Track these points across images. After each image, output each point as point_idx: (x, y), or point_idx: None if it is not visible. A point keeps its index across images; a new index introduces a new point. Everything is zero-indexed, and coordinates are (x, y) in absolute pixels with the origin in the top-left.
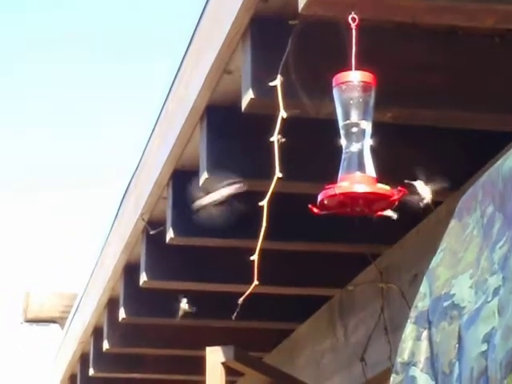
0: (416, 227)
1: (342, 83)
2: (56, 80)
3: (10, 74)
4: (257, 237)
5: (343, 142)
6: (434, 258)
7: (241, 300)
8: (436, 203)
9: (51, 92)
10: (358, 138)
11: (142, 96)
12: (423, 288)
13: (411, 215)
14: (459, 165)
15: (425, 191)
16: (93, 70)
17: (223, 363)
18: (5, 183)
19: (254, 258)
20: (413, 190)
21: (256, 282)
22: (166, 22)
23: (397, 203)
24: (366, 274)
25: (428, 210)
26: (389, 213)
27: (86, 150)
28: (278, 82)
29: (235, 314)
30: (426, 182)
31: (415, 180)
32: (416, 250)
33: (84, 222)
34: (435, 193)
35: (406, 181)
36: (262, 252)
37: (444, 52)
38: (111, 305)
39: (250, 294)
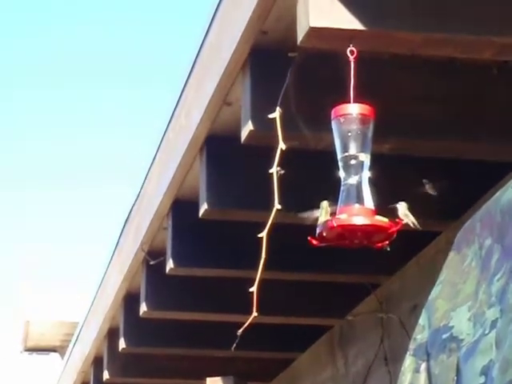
0: (415, 257)
1: (341, 116)
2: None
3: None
4: (256, 267)
5: (342, 174)
6: (433, 290)
7: (240, 331)
8: (435, 233)
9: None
10: (356, 171)
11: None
12: (422, 320)
13: (411, 246)
14: (458, 194)
15: (406, 214)
16: (96, 96)
17: None
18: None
19: (253, 289)
20: (395, 214)
21: (255, 314)
22: (168, 51)
23: (395, 235)
24: (365, 304)
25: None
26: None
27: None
28: (277, 114)
29: (235, 344)
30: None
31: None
32: (416, 280)
33: (85, 250)
34: (420, 219)
35: (389, 206)
36: (263, 282)
37: (442, 83)
38: (111, 334)
39: (251, 323)
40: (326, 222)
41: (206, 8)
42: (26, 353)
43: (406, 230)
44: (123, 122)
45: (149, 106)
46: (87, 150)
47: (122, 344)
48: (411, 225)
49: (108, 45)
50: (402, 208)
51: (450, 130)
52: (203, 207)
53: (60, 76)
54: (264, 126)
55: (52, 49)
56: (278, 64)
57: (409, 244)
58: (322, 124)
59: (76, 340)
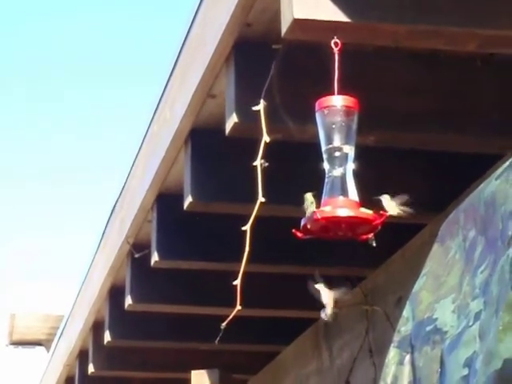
0: (400, 250)
1: (325, 107)
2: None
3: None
4: (241, 260)
5: (326, 166)
6: (417, 282)
7: (224, 325)
8: (420, 226)
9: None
10: (340, 163)
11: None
12: (406, 312)
13: (396, 238)
14: (442, 187)
15: (390, 206)
16: (79, 93)
17: None
18: None
19: (237, 282)
20: (379, 205)
21: (239, 307)
22: (152, 45)
23: (379, 227)
24: (350, 296)
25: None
26: (369, 240)
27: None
28: (261, 106)
29: (218, 338)
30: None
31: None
32: (400, 273)
33: (70, 244)
34: (403, 210)
35: (373, 197)
36: (247, 275)
37: (426, 75)
38: (96, 328)
39: (235, 316)
40: (311, 214)
41: (190, 0)
42: (12, 346)
43: (390, 223)
44: (109, 118)
45: (133, 101)
46: (73, 144)
47: (107, 337)
48: (401, 212)
49: (91, 41)
50: (385, 201)
51: (435, 122)
52: (188, 200)
53: (46, 75)
54: (248, 119)
55: (36, 47)
56: (262, 56)
57: (394, 237)
58: (307, 116)
59: (61, 333)
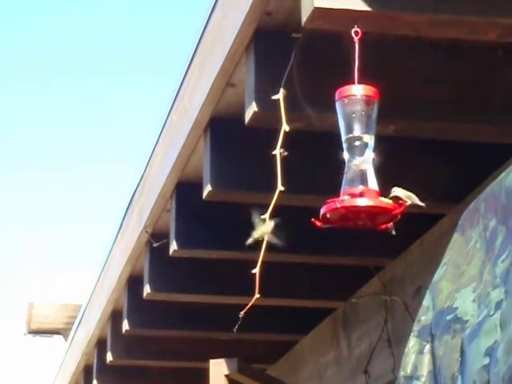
0: (419, 240)
1: (345, 97)
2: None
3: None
4: (260, 249)
5: (346, 155)
6: (437, 272)
7: (242, 313)
8: (439, 216)
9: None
10: (360, 152)
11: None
12: (426, 301)
13: (415, 228)
14: (462, 177)
15: (408, 196)
16: (102, 82)
17: (227, 375)
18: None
19: (256, 271)
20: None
21: (257, 295)
22: (172, 35)
23: (399, 217)
24: (369, 286)
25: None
26: (389, 229)
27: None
28: (280, 95)
29: (237, 326)
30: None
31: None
32: (419, 263)
33: (89, 233)
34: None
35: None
36: (265, 264)
37: (447, 65)
38: (115, 317)
39: (254, 306)
40: (330, 203)
41: None
42: (30, 335)
43: (410, 213)
44: (130, 107)
45: (154, 89)
46: (93, 133)
47: (125, 326)
48: (417, 203)
49: (111, 31)
50: (398, 192)
51: (455, 112)
52: (207, 189)
53: (69, 62)
54: (268, 108)
55: (61, 33)
56: (281, 45)
57: (413, 226)
58: (326, 105)
59: (79, 322)
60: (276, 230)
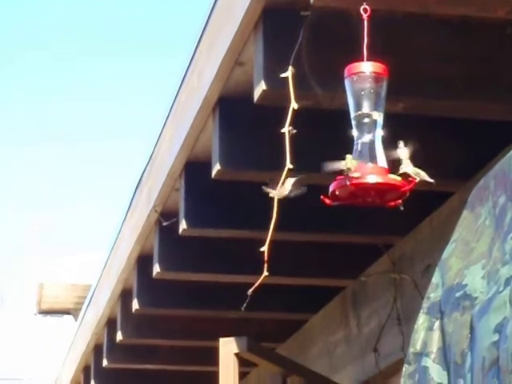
0: (429, 217)
1: (354, 74)
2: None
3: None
4: (268, 228)
5: (355, 132)
6: (447, 249)
7: (250, 291)
8: (448, 194)
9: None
10: (369, 129)
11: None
12: (435, 279)
13: (424, 206)
14: (472, 155)
15: (417, 172)
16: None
17: (236, 354)
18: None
19: (264, 249)
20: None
21: (266, 273)
22: (180, 11)
23: (408, 193)
24: (378, 264)
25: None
26: (398, 205)
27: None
28: (289, 73)
29: (245, 305)
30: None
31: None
32: (429, 241)
33: (98, 213)
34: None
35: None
36: (274, 243)
37: (456, 42)
38: (124, 296)
39: (263, 284)
40: (339, 180)
41: None
42: (40, 315)
43: (419, 190)
44: (139, 86)
45: (162, 69)
46: (101, 109)
47: (135, 305)
48: (426, 179)
49: (120, 9)
50: (407, 169)
51: (464, 89)
52: (216, 167)
53: (84, 42)
54: (277, 86)
55: (73, 15)
56: (290, 23)
57: (422, 204)
58: (335, 83)
59: (89, 302)
60: (295, 186)
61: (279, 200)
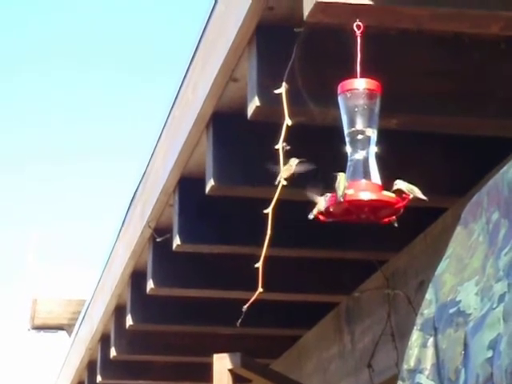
0: (422, 233)
1: (347, 91)
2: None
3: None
4: (263, 243)
5: (348, 149)
6: (440, 265)
7: (245, 307)
8: (441, 210)
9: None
10: (363, 146)
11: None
12: (429, 295)
13: (418, 222)
14: (465, 171)
15: (410, 189)
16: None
17: (230, 370)
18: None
19: (259, 265)
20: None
21: (260, 290)
22: (174, 27)
23: (402, 210)
24: (372, 280)
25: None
26: (392, 222)
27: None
28: (283, 89)
29: (240, 320)
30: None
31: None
32: (422, 257)
33: (92, 228)
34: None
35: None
36: (269, 259)
37: (449, 58)
38: (118, 312)
39: (257, 300)
40: (333, 197)
41: None
42: (34, 331)
43: (413, 207)
44: (131, 102)
45: (156, 84)
46: (96, 129)
47: (129, 321)
48: (420, 197)
49: (114, 23)
50: (401, 185)
51: (457, 106)
52: (210, 183)
53: (69, 56)
54: (270, 102)
55: (52, 33)
56: (284, 39)
57: (416, 220)
58: (329, 99)
59: (83, 317)
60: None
61: (273, 216)
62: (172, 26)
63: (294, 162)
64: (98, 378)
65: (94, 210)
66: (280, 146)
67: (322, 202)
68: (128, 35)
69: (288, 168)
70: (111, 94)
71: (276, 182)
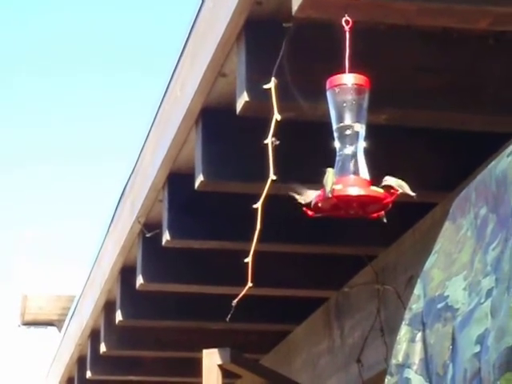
0: (411, 229)
1: (336, 86)
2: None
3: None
4: (251, 239)
5: (337, 144)
6: (429, 260)
7: (235, 302)
8: (430, 205)
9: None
10: (351, 141)
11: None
12: (417, 290)
13: (407, 217)
14: (454, 166)
15: (400, 185)
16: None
17: (220, 365)
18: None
19: (248, 260)
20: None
21: (250, 284)
22: (162, 23)
23: (390, 205)
24: (361, 275)
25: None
26: (380, 217)
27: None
28: (272, 84)
29: (229, 316)
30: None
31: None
32: (412, 252)
33: (81, 224)
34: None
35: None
36: (258, 254)
37: (438, 54)
38: (108, 307)
39: (247, 295)
40: (321, 192)
41: None
42: (24, 327)
43: (401, 202)
44: (120, 99)
45: (144, 81)
46: (85, 127)
47: (118, 317)
48: (408, 193)
49: (102, 20)
50: (390, 181)
51: (446, 101)
52: (199, 179)
53: (54, 61)
54: (259, 97)
55: (39, 35)
56: (272, 35)
57: (405, 215)
58: (318, 94)
59: (73, 313)
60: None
61: (262, 211)
62: (161, 22)
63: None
64: (88, 374)
65: (83, 207)
66: (269, 140)
67: (310, 195)
68: (117, 33)
69: (331, 179)
70: (100, 92)
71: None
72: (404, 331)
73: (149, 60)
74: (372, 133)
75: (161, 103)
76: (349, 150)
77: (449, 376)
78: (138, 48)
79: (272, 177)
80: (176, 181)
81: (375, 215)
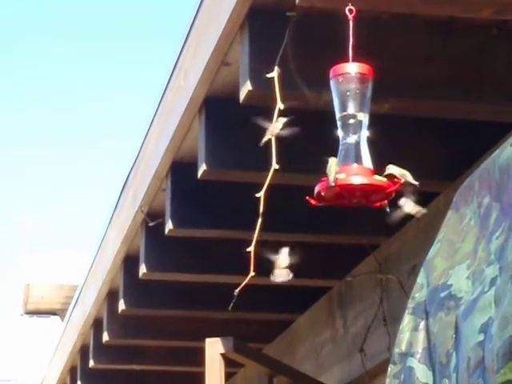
0: (415, 218)
1: (339, 75)
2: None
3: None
4: (254, 228)
5: (340, 133)
6: (432, 249)
7: (237, 291)
8: (434, 194)
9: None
10: (354, 130)
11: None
12: (420, 279)
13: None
14: (458, 155)
15: (402, 174)
16: (98, 58)
17: (223, 355)
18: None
19: (251, 249)
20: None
21: (252, 273)
22: (165, 12)
23: (393, 194)
24: (364, 265)
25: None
26: (383, 206)
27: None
28: (275, 73)
29: (232, 305)
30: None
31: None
32: (415, 241)
33: (84, 213)
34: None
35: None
36: (262, 243)
37: (442, 43)
38: (111, 296)
39: (250, 285)
40: (324, 181)
41: None
42: (27, 316)
43: (404, 191)
44: (124, 83)
45: (150, 67)
46: (88, 112)
47: (121, 306)
48: (411, 182)
49: (105, 6)
50: (393, 170)
51: (450, 90)
52: (202, 168)
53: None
54: (263, 86)
55: (36, 16)
56: (276, 24)
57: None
58: (321, 83)
59: (76, 302)
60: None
61: (265, 200)
62: (165, 5)
63: (281, 120)
64: (91, 363)
65: (87, 195)
66: (272, 129)
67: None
68: (119, 18)
69: (334, 168)
70: (104, 78)
71: (263, 141)
72: (407, 320)
73: (156, 42)
74: (375, 122)
75: (164, 92)
76: (352, 138)
77: (452, 365)
78: (146, 28)
79: (275, 166)
80: (179, 170)
81: (378, 204)
